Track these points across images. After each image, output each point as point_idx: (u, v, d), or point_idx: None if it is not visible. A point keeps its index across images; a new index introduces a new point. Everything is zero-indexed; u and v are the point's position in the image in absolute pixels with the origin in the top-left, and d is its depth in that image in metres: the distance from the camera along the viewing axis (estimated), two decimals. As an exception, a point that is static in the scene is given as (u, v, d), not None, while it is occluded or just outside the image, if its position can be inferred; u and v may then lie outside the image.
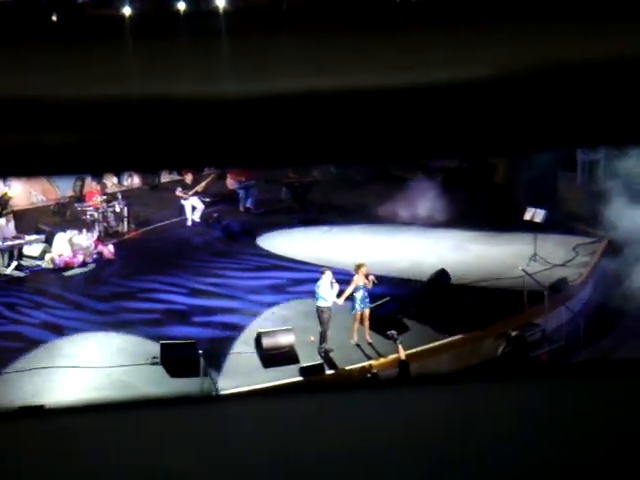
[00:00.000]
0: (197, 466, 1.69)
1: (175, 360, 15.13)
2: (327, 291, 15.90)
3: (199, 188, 22.55)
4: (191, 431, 1.72)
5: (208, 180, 22.87)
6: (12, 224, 20.25)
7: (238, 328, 16.78)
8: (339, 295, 16.00)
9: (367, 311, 16.29)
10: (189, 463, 1.68)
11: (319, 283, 16.07)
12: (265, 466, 1.70)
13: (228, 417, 1.76)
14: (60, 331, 16.57)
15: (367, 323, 16.29)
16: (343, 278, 16.59)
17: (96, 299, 18.15)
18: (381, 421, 1.75)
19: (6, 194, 20.49)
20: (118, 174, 23.79)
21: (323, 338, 15.90)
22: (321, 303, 15.93)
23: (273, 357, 15.58)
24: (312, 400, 1.82)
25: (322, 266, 17.05)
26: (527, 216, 20.48)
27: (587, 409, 1.76)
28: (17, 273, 19.16)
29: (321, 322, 15.89)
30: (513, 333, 15.21)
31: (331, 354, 15.82)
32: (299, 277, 19.05)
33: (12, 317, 17.23)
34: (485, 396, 1.79)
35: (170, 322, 17.13)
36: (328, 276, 16.05)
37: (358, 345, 16.13)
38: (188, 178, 22.67)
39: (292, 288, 18.64)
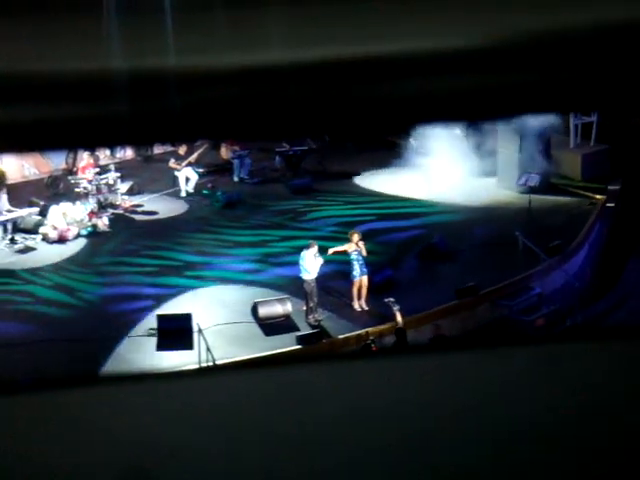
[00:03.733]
0: (195, 437, 1.70)
1: (170, 331, 15.15)
2: (311, 263, 15.95)
3: (192, 159, 22.43)
4: (188, 403, 1.73)
5: (201, 150, 22.73)
6: (5, 198, 20.13)
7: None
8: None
9: (365, 278, 16.32)
10: (187, 435, 1.69)
11: (303, 255, 16.11)
12: (262, 435, 1.71)
13: (224, 388, 1.77)
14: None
15: (365, 290, 16.33)
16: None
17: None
18: (377, 390, 1.76)
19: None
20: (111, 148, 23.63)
21: (310, 309, 15.93)
22: (305, 276, 16.00)
23: (270, 326, 15.61)
24: (309, 369, 1.83)
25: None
26: (521, 181, 20.45)
27: (578, 373, 1.77)
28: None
29: (306, 293, 15.95)
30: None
31: (323, 323, 15.85)
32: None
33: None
34: (479, 363, 1.80)
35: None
36: (313, 249, 16.09)
37: (356, 312, 16.19)
38: (181, 149, 22.54)
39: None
